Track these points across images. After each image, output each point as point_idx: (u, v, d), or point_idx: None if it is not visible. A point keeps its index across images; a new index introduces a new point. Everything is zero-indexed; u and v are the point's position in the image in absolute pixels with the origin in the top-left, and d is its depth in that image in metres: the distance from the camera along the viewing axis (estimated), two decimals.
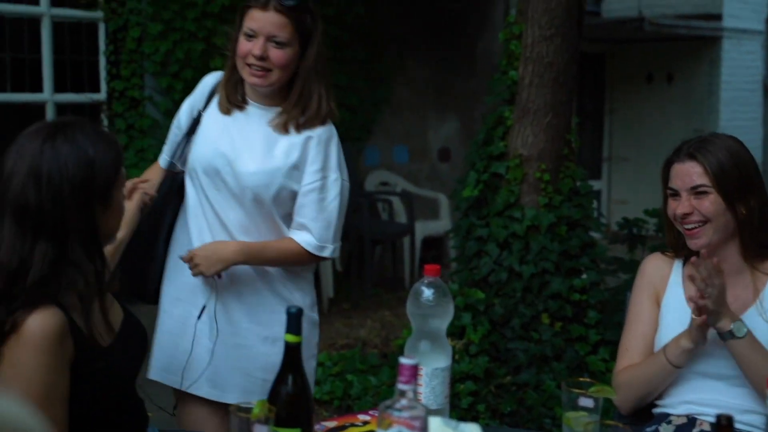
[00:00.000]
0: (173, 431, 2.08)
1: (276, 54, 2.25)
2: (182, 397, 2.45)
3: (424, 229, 6.72)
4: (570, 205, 4.11)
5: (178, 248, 2.43)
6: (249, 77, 2.28)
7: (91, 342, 1.73)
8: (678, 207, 2.15)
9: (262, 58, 2.24)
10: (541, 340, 4.00)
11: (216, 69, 6.14)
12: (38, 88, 5.54)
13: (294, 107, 2.33)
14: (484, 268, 4.12)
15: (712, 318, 2.05)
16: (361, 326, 5.65)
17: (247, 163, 2.30)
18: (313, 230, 2.33)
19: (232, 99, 2.36)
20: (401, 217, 6.70)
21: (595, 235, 4.36)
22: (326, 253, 2.37)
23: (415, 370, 1.55)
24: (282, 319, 2.22)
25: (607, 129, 9.88)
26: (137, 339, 1.91)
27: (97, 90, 5.76)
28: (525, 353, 3.99)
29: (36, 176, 1.63)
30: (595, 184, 8.29)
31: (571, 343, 4.03)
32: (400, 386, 1.54)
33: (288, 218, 2.36)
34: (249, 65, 2.26)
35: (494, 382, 3.94)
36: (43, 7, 5.48)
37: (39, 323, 1.61)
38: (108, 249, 2.05)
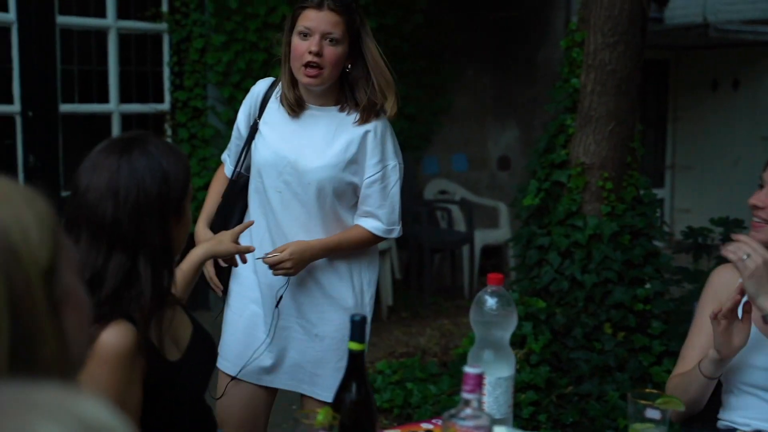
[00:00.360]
0: None
1: (330, 51, 2.37)
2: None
3: (483, 237, 6.69)
4: (633, 214, 4.06)
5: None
6: (303, 78, 2.39)
7: (161, 356, 1.75)
8: (754, 197, 2.11)
9: (318, 54, 2.36)
10: (604, 350, 3.95)
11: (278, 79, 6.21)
12: (105, 99, 5.66)
13: (348, 104, 2.48)
14: (546, 277, 4.08)
15: (752, 290, 1.97)
16: (420, 335, 5.65)
17: (310, 160, 2.43)
18: (381, 216, 2.49)
19: (291, 101, 2.46)
20: (460, 226, 6.68)
21: (659, 244, 4.30)
22: (395, 234, 2.55)
23: (480, 380, 1.54)
24: (326, 318, 2.49)
25: (671, 137, 9.72)
26: (206, 353, 1.94)
27: (161, 100, 5.86)
28: (587, 363, 3.95)
29: (114, 191, 1.65)
30: (658, 193, 8.16)
31: (635, 353, 3.98)
32: (465, 395, 1.54)
33: (349, 210, 2.51)
34: (305, 65, 2.37)
35: (556, 392, 3.90)
36: (110, 20, 5.60)
37: (113, 339, 1.63)
38: (186, 267, 2.09)
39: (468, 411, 1.54)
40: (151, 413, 1.72)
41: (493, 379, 1.87)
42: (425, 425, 1.99)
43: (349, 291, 2.55)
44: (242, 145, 2.58)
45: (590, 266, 4.00)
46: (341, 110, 2.48)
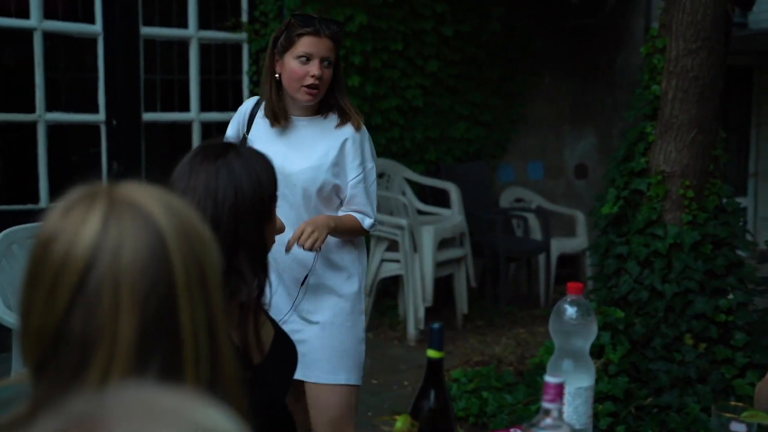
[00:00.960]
0: None
1: (327, 73, 2.65)
2: None
3: (560, 246, 6.63)
4: (716, 223, 3.97)
5: None
6: (304, 96, 2.64)
7: (244, 357, 1.79)
8: None
9: (320, 77, 2.62)
10: (685, 362, 3.87)
11: (353, 87, 6.25)
12: (186, 108, 5.79)
13: (338, 111, 2.73)
14: (624, 286, 4.02)
15: None
16: (496, 343, 5.61)
17: (295, 163, 2.66)
18: (369, 213, 2.75)
19: (279, 114, 2.70)
20: (536, 234, 6.63)
21: (742, 254, 4.20)
22: (374, 229, 2.80)
23: (560, 389, 1.53)
24: (324, 305, 2.75)
25: (754, 144, 9.47)
26: (288, 358, 1.97)
27: None
28: (667, 374, 3.87)
29: (212, 193, 1.71)
30: (741, 201, 7.96)
31: (717, 365, 3.89)
32: (545, 405, 1.53)
33: (333, 212, 2.74)
34: (306, 86, 2.62)
35: (634, 403, 3.84)
36: (191, 30, 5.72)
37: None
38: None
39: (548, 421, 1.53)
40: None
41: (572, 389, 1.85)
42: None
43: (343, 280, 2.77)
44: None
45: (670, 276, 3.93)
46: (323, 117, 2.73)
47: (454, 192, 6.07)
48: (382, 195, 5.84)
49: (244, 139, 2.76)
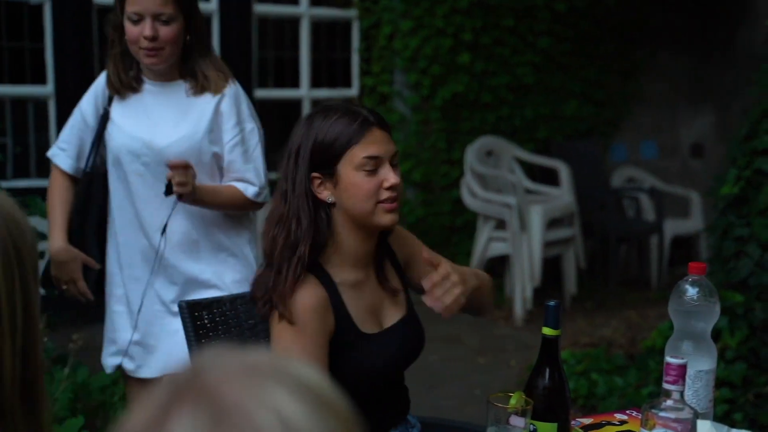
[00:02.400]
0: (430, 418, 2.12)
1: (165, 31, 2.37)
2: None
3: (673, 227, 6.44)
4: None
5: (111, 248, 2.58)
6: (145, 59, 2.40)
7: (350, 322, 1.84)
8: None
9: (154, 38, 2.36)
10: None
11: (463, 64, 6.21)
12: (296, 85, 5.85)
13: (195, 77, 2.46)
14: (744, 269, 3.88)
15: None
16: (605, 325, 5.51)
17: (165, 135, 2.44)
18: (250, 179, 2.47)
19: (126, 82, 2.47)
20: (649, 215, 6.46)
21: None
22: (262, 199, 2.50)
23: (682, 371, 1.49)
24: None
25: None
26: (411, 339, 1.98)
27: (349, 86, 6.00)
28: None
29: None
30: None
31: None
32: (666, 386, 1.49)
33: (215, 181, 2.49)
34: (142, 48, 2.38)
35: (753, 390, 3.70)
36: (303, 7, 5.78)
37: (303, 297, 1.79)
38: None
39: (669, 402, 1.49)
40: (337, 376, 1.78)
41: (692, 372, 1.79)
42: (619, 416, 1.94)
43: (229, 267, 2.52)
44: (94, 137, 2.55)
45: None
46: (186, 82, 2.48)
47: (564, 171, 5.96)
48: (490, 173, 5.79)
49: (106, 113, 2.53)
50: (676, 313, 1.85)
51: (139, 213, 2.50)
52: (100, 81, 2.56)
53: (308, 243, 1.81)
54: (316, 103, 5.88)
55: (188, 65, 2.46)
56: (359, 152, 1.80)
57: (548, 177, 6.13)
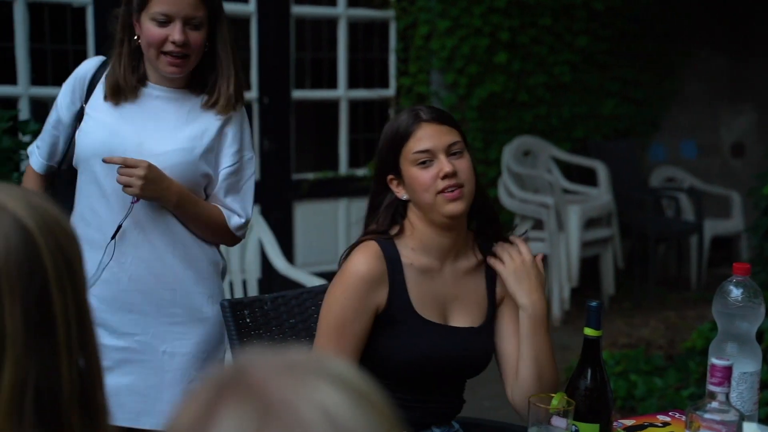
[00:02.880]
0: (470, 418, 2.12)
1: (194, 37, 2.13)
2: None
3: (713, 228, 6.37)
4: None
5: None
6: (166, 67, 2.14)
7: (407, 302, 1.89)
8: None
9: (184, 44, 2.11)
10: None
11: (500, 64, 6.19)
12: (333, 85, 5.87)
13: (207, 90, 2.22)
14: None
15: None
16: (644, 326, 5.47)
17: (158, 143, 2.18)
18: (238, 210, 2.25)
19: (131, 85, 2.19)
20: (688, 215, 6.40)
21: None
22: (241, 234, 2.28)
23: (728, 372, 1.48)
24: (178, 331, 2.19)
25: None
26: (472, 350, 1.98)
27: (386, 86, 6.00)
28: None
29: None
30: None
31: None
32: (711, 388, 1.48)
33: None
34: (166, 53, 2.12)
35: None
36: (341, 8, 5.79)
37: (356, 261, 1.88)
38: None
39: (714, 404, 1.48)
40: (387, 351, 1.88)
41: (737, 374, 1.78)
42: (662, 417, 1.93)
43: (204, 297, 2.22)
44: (68, 134, 2.29)
45: None
46: (193, 93, 2.24)
47: (601, 170, 5.93)
48: (527, 173, 5.77)
49: (81, 111, 2.26)
50: (720, 314, 1.84)
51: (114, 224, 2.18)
52: (81, 70, 2.29)
53: (380, 227, 1.95)
54: (353, 103, 5.90)
55: (201, 75, 2.23)
56: (411, 147, 1.89)
57: (586, 177, 6.10)
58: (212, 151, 2.22)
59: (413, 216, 1.93)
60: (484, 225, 2.00)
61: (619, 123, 6.56)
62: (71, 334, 1.01)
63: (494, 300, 2.01)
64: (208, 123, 2.21)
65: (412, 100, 5.91)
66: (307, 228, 5.70)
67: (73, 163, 2.26)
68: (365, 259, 1.88)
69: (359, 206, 5.65)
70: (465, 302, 1.96)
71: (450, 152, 1.89)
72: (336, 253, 5.69)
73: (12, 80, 4.84)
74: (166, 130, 2.20)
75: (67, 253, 1.02)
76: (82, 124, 2.23)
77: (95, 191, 2.20)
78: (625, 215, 6.02)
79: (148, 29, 2.12)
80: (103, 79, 2.23)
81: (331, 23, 5.83)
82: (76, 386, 1.00)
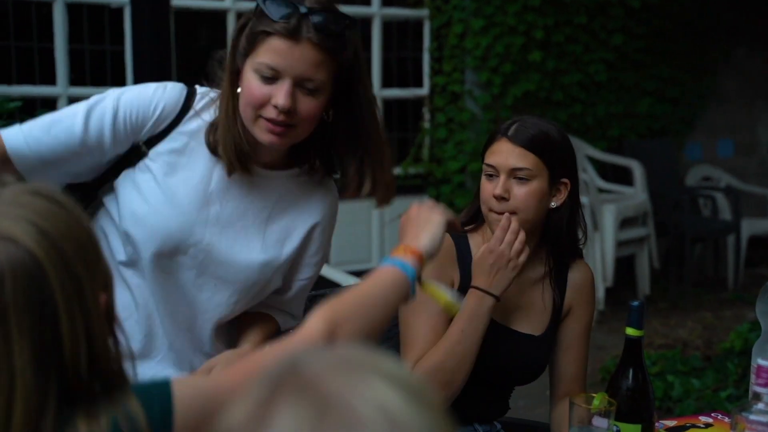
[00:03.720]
0: (505, 417, 2.11)
1: (307, 105, 1.61)
2: None
3: (751, 227, 6.30)
4: None
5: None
6: (263, 134, 1.63)
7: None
8: None
9: (289, 111, 1.59)
10: None
11: (534, 62, 6.17)
12: None
13: (306, 167, 1.76)
14: None
15: None
16: (680, 326, 5.42)
17: (247, 249, 1.74)
18: (297, 316, 1.89)
19: (245, 157, 1.68)
20: (725, 215, 6.33)
21: None
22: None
23: None
24: None
25: None
26: (525, 357, 1.98)
27: (420, 85, 6.00)
28: None
29: None
30: None
31: None
32: (757, 389, 1.47)
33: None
34: (266, 118, 1.61)
35: None
36: (375, 7, 5.80)
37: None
38: None
39: (760, 406, 1.46)
40: None
41: None
42: (704, 418, 1.91)
43: None
44: (99, 154, 1.69)
45: None
46: (293, 174, 1.76)
47: (637, 169, 5.88)
48: None
49: (138, 150, 1.70)
50: (765, 314, 1.82)
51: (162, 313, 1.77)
52: (164, 97, 1.70)
53: (463, 218, 1.98)
54: (386, 102, 5.90)
55: (309, 151, 1.74)
56: (485, 157, 1.95)
57: (621, 176, 6.06)
58: (295, 260, 1.81)
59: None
60: (556, 240, 1.96)
61: (655, 122, 6.51)
62: (80, 356, 1.00)
63: (560, 312, 2.00)
64: (296, 221, 1.75)
65: (446, 99, 5.90)
66: (341, 227, 5.68)
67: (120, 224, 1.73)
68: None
69: (393, 205, 5.63)
70: (529, 311, 1.97)
71: (514, 175, 1.87)
72: (370, 252, 5.71)
73: (51, 81, 4.90)
74: (250, 229, 1.74)
75: (75, 275, 1.00)
76: (135, 177, 1.71)
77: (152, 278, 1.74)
78: (660, 214, 5.97)
79: (248, 82, 1.61)
80: (187, 120, 1.71)
81: (366, 22, 5.84)
82: (85, 375, 1.01)
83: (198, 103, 1.72)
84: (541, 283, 1.98)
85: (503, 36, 5.82)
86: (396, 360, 0.79)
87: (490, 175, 1.89)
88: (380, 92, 5.87)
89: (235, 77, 1.64)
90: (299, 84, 1.59)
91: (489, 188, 1.88)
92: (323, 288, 2.30)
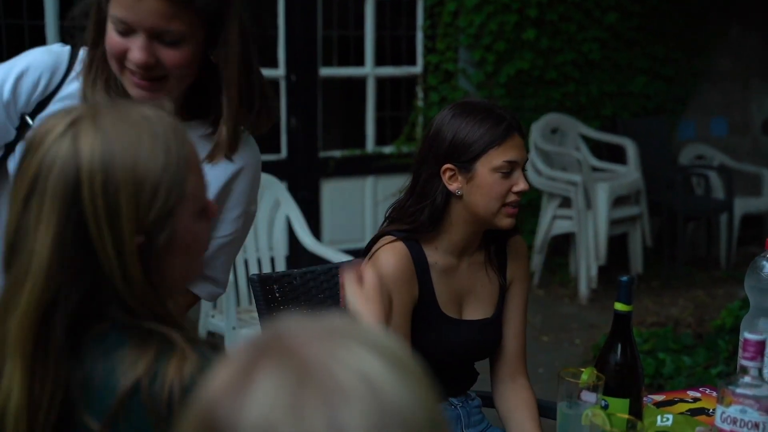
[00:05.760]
0: None
1: (171, 56, 1.53)
2: None
3: (743, 206, 6.31)
4: None
5: None
6: (131, 88, 1.56)
7: (434, 301, 1.90)
8: None
9: (149, 66, 1.52)
10: None
11: (528, 41, 6.16)
12: (361, 63, 5.86)
13: (211, 124, 1.65)
14: None
15: None
16: (672, 305, 5.44)
17: None
18: (220, 281, 1.78)
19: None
20: (718, 193, 6.34)
21: None
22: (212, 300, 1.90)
23: (761, 347, 1.47)
24: None
25: None
26: (484, 341, 2.03)
27: (413, 63, 5.98)
28: None
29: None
30: None
31: None
32: (744, 362, 1.47)
33: None
34: (129, 71, 1.55)
35: None
36: None
37: (385, 263, 1.86)
38: None
39: (746, 379, 1.47)
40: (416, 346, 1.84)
41: None
42: (692, 393, 1.92)
43: None
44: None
45: None
46: (194, 125, 1.63)
47: (630, 148, 5.88)
48: (555, 151, 5.74)
49: (24, 123, 1.63)
50: (753, 289, 1.82)
51: None
52: (32, 62, 1.64)
53: (416, 221, 1.91)
54: (380, 81, 5.88)
55: (205, 103, 1.65)
56: (500, 155, 1.85)
57: (615, 155, 6.05)
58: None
59: (456, 213, 1.92)
60: None
61: (649, 100, 6.50)
62: (112, 269, 1.08)
63: (504, 290, 2.06)
64: (212, 171, 1.58)
65: (440, 78, 5.89)
66: (334, 205, 5.71)
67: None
68: (394, 260, 1.87)
69: (386, 184, 5.65)
70: (479, 295, 2.01)
71: (524, 169, 1.91)
72: (363, 230, 5.71)
73: None
74: None
75: (114, 200, 1.07)
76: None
77: None
78: (654, 193, 5.97)
79: (109, 34, 1.54)
80: (68, 83, 1.64)
81: (359, 0, 5.81)
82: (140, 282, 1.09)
83: (78, 65, 1.64)
84: (484, 266, 2.02)
85: (497, 14, 5.80)
86: (383, 331, 0.79)
87: (507, 172, 1.88)
88: (373, 70, 5.85)
89: (101, 27, 1.56)
90: (156, 36, 1.51)
91: (507, 184, 1.87)
92: (316, 265, 2.31)
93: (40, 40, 4.85)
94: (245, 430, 0.70)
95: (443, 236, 1.93)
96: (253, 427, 0.70)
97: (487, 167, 1.86)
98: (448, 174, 1.88)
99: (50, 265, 1.06)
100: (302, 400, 0.69)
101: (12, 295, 1.08)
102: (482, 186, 1.87)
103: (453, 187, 1.89)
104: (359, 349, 0.74)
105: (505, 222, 1.91)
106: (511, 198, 1.88)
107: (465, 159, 1.86)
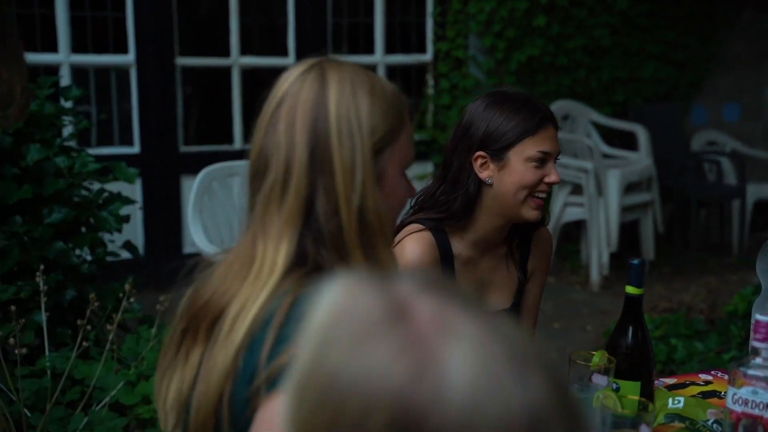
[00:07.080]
0: None
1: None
2: None
3: (756, 192, 6.28)
4: None
5: None
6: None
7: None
8: None
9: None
10: None
11: (539, 27, 6.12)
12: (371, 50, 5.85)
13: None
14: None
15: None
16: (684, 291, 5.43)
17: None
18: None
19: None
20: (730, 179, 6.31)
21: None
22: None
23: None
24: None
25: None
26: None
27: (423, 51, 5.97)
28: None
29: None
30: None
31: None
32: (755, 344, 1.47)
33: None
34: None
35: None
36: None
37: (410, 251, 1.88)
38: None
39: (758, 360, 1.47)
40: None
41: None
42: (704, 376, 1.92)
43: None
44: None
45: None
46: None
47: (642, 134, 5.86)
48: (567, 138, 5.73)
49: None
50: (764, 272, 1.82)
51: None
52: None
53: (449, 210, 1.91)
54: (390, 68, 5.87)
55: None
56: (534, 145, 1.87)
57: (626, 141, 6.03)
58: None
59: (486, 204, 1.92)
60: None
61: (660, 86, 6.47)
62: (354, 185, 1.20)
63: (524, 281, 2.07)
64: None
65: (450, 65, 5.87)
66: None
67: None
68: (420, 250, 1.89)
69: None
70: (499, 286, 2.03)
71: (555, 162, 1.93)
72: None
73: (53, 48, 4.88)
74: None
75: (354, 117, 1.22)
76: None
77: None
78: (665, 179, 5.95)
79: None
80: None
81: None
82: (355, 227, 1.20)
83: None
84: (504, 258, 2.03)
85: (507, 0, 5.78)
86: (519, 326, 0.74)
87: (540, 163, 1.89)
88: (383, 58, 5.85)
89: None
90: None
91: (539, 174, 1.89)
92: None
93: (51, 30, 4.86)
94: (449, 416, 0.65)
95: (471, 227, 1.94)
96: (459, 409, 0.64)
97: (520, 156, 1.87)
98: (479, 162, 1.89)
99: (307, 172, 1.20)
100: (497, 372, 0.66)
101: (275, 191, 1.21)
102: (513, 174, 1.88)
103: (484, 175, 1.89)
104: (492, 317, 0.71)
105: (531, 213, 1.91)
106: (542, 188, 1.89)
107: (498, 147, 1.87)
